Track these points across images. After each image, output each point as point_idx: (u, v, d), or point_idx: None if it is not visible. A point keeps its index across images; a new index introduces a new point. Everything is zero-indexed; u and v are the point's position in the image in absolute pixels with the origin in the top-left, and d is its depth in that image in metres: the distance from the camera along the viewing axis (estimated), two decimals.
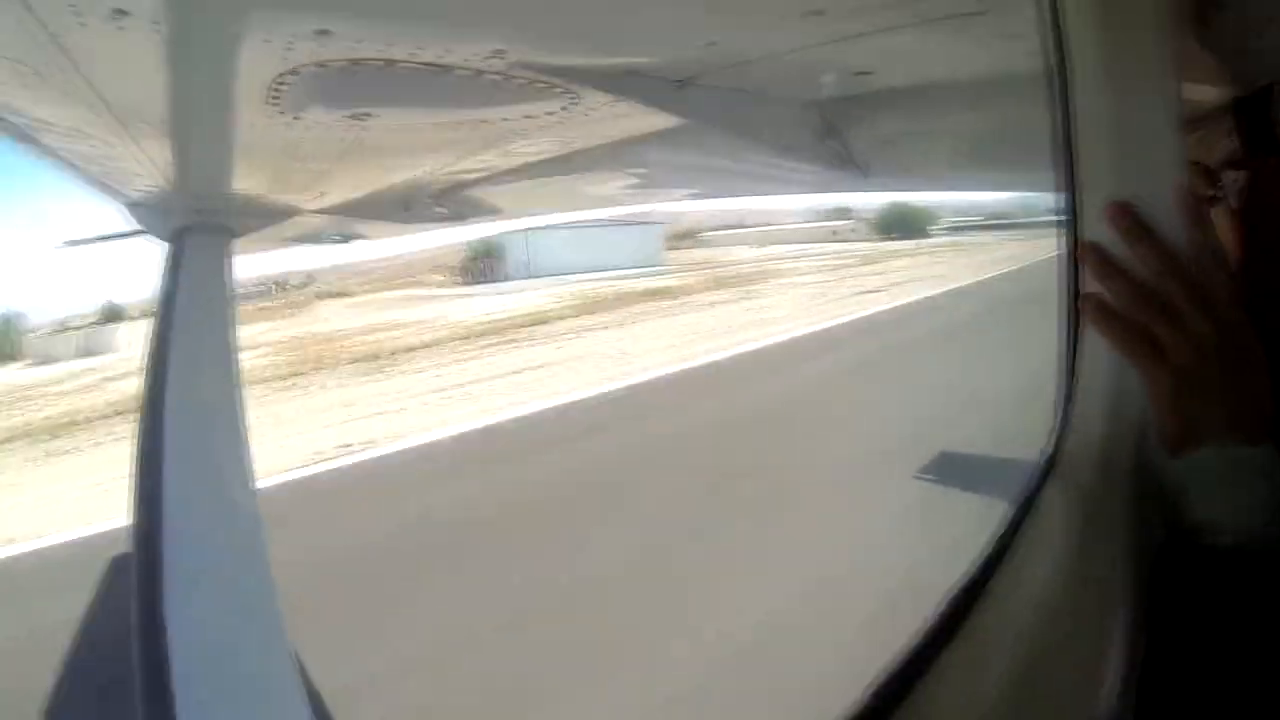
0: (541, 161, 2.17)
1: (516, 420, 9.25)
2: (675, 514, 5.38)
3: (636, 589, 4.42)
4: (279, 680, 1.02)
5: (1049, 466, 1.08)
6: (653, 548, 4.86)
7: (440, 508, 6.25)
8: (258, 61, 1.09)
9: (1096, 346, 0.97)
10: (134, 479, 1.31)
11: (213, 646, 1.03)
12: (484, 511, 5.91)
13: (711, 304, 16.30)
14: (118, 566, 4.84)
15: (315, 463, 8.18)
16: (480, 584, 4.77)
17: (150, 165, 1.61)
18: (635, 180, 2.62)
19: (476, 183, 2.63)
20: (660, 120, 1.80)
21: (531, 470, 6.94)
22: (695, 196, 3.59)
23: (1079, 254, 0.94)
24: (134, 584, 1.09)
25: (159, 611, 1.01)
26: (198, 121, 1.42)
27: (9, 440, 11.04)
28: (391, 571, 5.06)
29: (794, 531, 4.58)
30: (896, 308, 13.75)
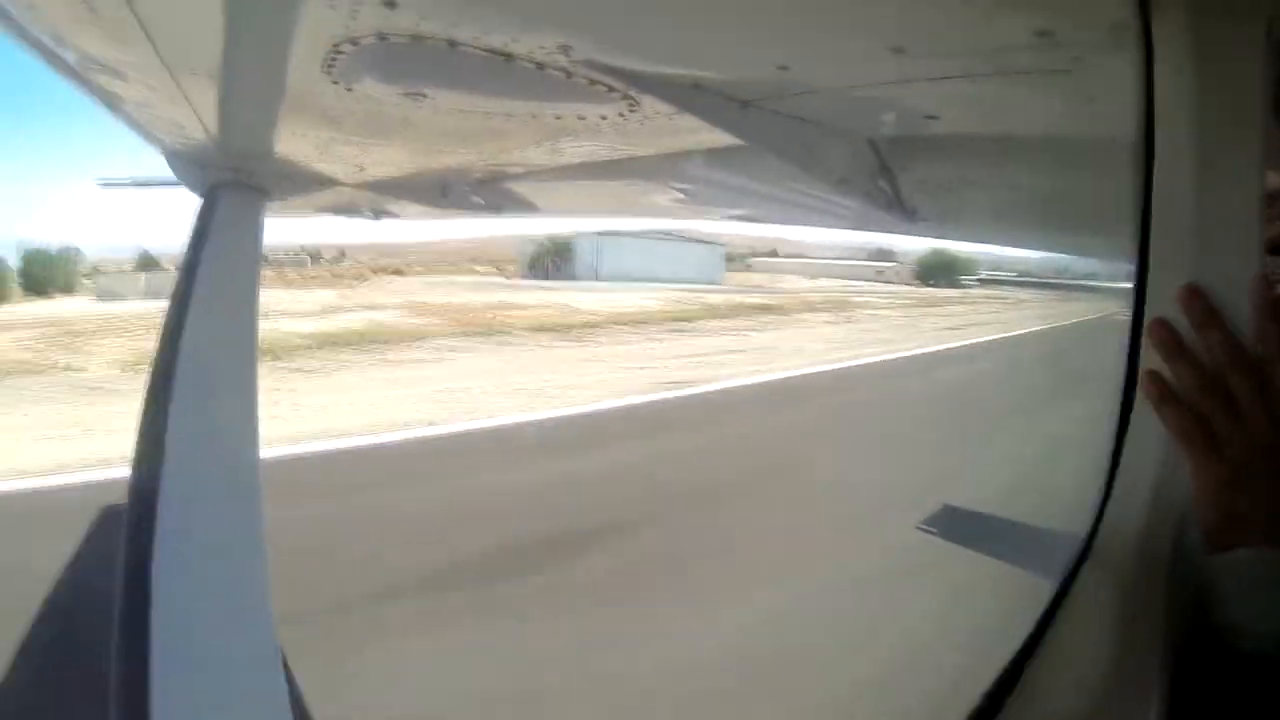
0: (589, 164, 2.13)
1: (775, 381, 11.65)
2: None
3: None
4: (259, 651, 0.98)
5: (1086, 547, 1.04)
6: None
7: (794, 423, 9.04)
8: (319, 25, 1.05)
9: (1147, 426, 0.94)
10: (138, 432, 1.27)
11: (196, 608, 0.99)
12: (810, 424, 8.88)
13: (824, 322, 18.55)
14: (108, 516, 4.91)
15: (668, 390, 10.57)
16: None
17: (193, 116, 1.58)
18: (682, 195, 2.58)
19: (518, 177, 2.59)
20: (718, 139, 1.76)
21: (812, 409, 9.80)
22: (740, 219, 3.56)
23: (1146, 330, 0.90)
24: (124, 537, 1.05)
25: (146, 568, 0.98)
26: (248, 78, 1.38)
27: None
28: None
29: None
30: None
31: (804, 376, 12.08)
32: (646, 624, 4.10)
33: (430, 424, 8.46)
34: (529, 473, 6.66)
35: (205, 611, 0.98)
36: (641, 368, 12.10)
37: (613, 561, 4.94)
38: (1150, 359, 0.89)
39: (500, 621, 4.17)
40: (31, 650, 3.58)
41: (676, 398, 9.96)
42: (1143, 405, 0.93)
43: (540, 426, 8.33)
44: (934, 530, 4.52)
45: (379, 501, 5.93)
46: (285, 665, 0.95)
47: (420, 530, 5.42)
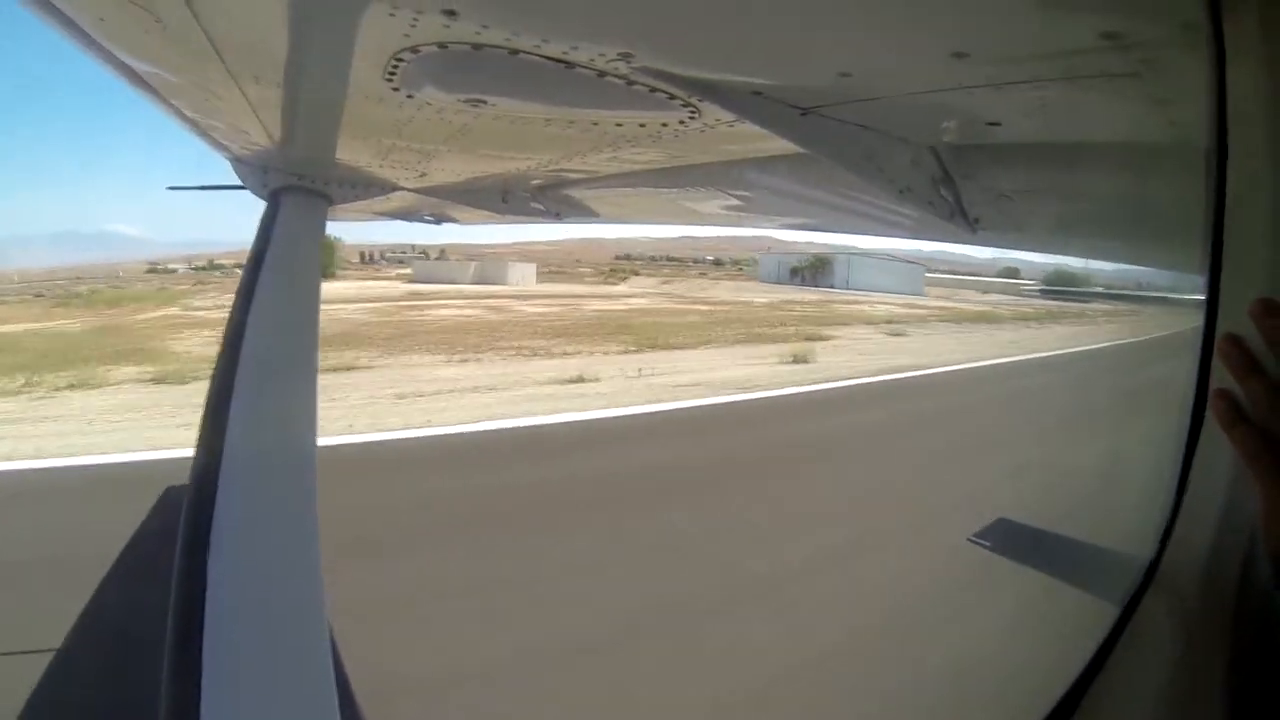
0: (648, 171, 2.12)
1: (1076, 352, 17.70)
2: None
3: None
4: (307, 631, 0.99)
5: (1150, 572, 0.99)
6: None
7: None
8: (379, 35, 1.06)
9: (1217, 447, 0.89)
10: (203, 421, 1.31)
11: (248, 584, 1.01)
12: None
13: (1038, 327, 24.93)
14: (171, 495, 5.10)
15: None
16: None
17: (258, 124, 1.61)
18: (740, 202, 2.55)
19: (577, 183, 2.59)
20: (778, 145, 1.73)
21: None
22: (798, 227, 3.53)
23: (1217, 346, 0.85)
24: (183, 520, 1.08)
25: (202, 552, 1.00)
26: (311, 87, 1.40)
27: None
28: None
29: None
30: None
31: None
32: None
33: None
34: None
35: (256, 591, 0.99)
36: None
37: None
38: (1221, 376, 0.84)
39: None
40: (93, 619, 3.75)
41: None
42: (1212, 425, 0.87)
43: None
44: (986, 544, 4.32)
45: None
46: (333, 644, 0.96)
47: None
